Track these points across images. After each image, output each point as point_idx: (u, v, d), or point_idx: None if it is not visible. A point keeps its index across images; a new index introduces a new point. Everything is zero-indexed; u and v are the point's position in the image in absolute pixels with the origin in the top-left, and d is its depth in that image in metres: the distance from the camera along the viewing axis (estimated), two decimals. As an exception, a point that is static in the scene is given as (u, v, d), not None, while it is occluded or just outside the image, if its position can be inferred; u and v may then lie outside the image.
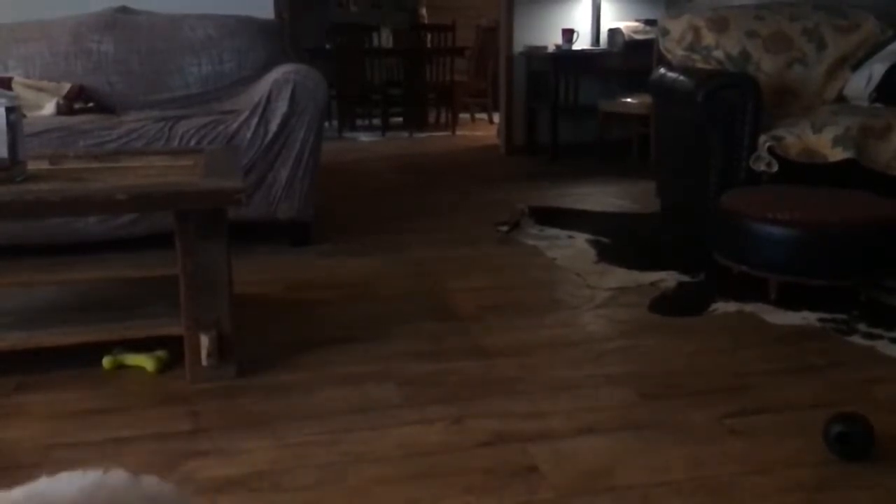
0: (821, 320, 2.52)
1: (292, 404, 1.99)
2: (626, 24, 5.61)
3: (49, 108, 3.39)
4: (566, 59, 5.52)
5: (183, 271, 2.05)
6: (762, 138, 3.10)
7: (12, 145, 2.03)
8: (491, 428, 1.86)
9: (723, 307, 2.65)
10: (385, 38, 7.72)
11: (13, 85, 3.45)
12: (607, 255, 3.26)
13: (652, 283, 2.90)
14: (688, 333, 2.44)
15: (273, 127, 3.21)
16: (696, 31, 3.75)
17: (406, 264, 3.18)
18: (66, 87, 3.54)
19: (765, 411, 1.94)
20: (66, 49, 3.65)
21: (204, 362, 2.09)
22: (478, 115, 8.35)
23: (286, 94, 3.20)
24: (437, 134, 7.38)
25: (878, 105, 3.45)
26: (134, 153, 2.74)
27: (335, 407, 1.97)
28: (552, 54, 5.53)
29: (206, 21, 3.77)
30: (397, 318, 2.58)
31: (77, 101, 3.51)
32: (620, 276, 2.99)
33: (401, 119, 7.68)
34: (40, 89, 3.49)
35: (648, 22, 5.52)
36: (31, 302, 2.37)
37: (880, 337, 2.39)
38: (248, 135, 3.20)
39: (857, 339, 2.38)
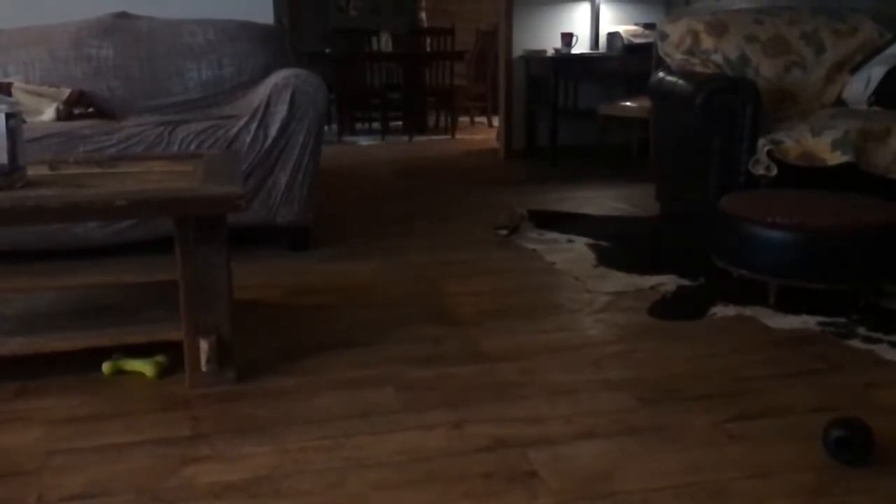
0: (820, 324, 2.52)
1: (292, 409, 1.99)
2: (626, 28, 5.61)
3: (49, 113, 3.40)
4: (565, 63, 5.52)
5: (182, 276, 2.05)
6: (761, 142, 3.10)
7: (12, 151, 2.03)
8: (490, 433, 1.86)
9: (722, 311, 2.65)
10: (384, 42, 7.74)
11: (13, 90, 3.46)
12: (607, 258, 3.27)
13: (651, 287, 2.90)
14: (687, 338, 2.44)
15: (273, 132, 3.21)
16: (695, 35, 3.75)
17: (405, 268, 3.18)
18: (66, 92, 3.54)
19: (764, 416, 1.94)
20: (66, 54, 3.66)
21: (203, 367, 2.09)
22: (477, 119, 8.36)
23: (286, 98, 3.20)
24: (437, 137, 7.39)
25: (876, 109, 3.45)
26: (134, 158, 2.75)
27: (335, 412, 1.98)
28: (551, 58, 5.53)
29: (205, 26, 3.77)
30: (396, 322, 2.58)
31: (77, 106, 3.51)
32: (620, 280, 2.99)
33: (400, 123, 7.69)
34: (40, 94, 3.50)
35: (647, 26, 5.53)
36: (31, 308, 2.37)
37: (880, 341, 2.39)
38: (248, 139, 3.20)
39: (856, 343, 2.38)
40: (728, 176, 3.15)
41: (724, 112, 3.13)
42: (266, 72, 3.64)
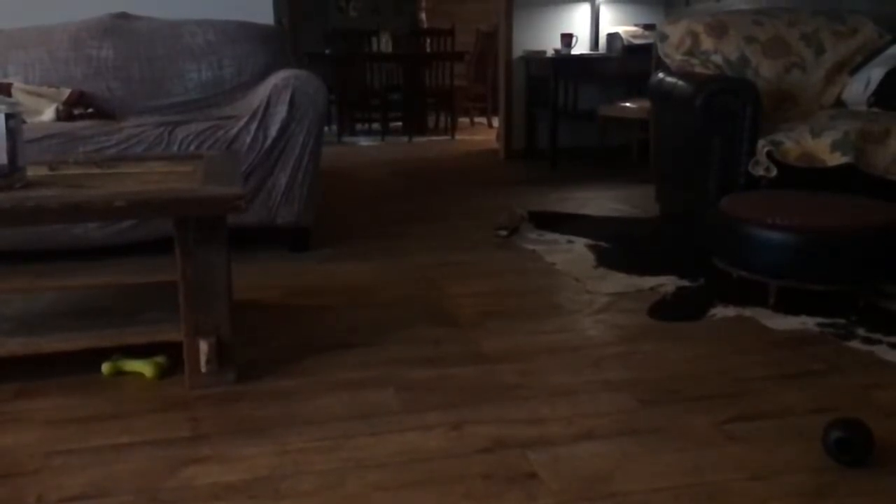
0: (820, 325, 2.52)
1: (292, 410, 1.99)
2: (625, 29, 5.61)
3: (49, 113, 3.40)
4: (565, 64, 5.52)
5: (182, 277, 2.05)
6: (761, 143, 3.10)
7: (12, 151, 2.03)
8: (490, 434, 1.86)
9: (722, 312, 2.65)
10: (384, 43, 7.74)
11: (13, 91, 3.46)
12: (606, 259, 3.27)
13: (651, 288, 2.90)
14: (687, 339, 2.44)
15: (272, 132, 3.21)
16: (695, 36, 3.75)
17: (405, 269, 3.18)
18: (66, 92, 3.54)
19: (764, 417, 1.94)
20: (66, 55, 3.66)
21: (203, 368, 2.09)
22: (477, 120, 8.36)
23: (285, 99, 3.20)
24: (437, 138, 7.39)
25: (876, 110, 3.45)
26: (133, 159, 2.74)
27: (334, 413, 1.98)
28: (551, 59, 5.53)
29: (205, 27, 3.77)
30: (396, 323, 2.58)
31: (77, 106, 3.51)
32: (619, 281, 2.99)
33: (400, 123, 7.70)
34: (40, 95, 3.50)
35: (647, 27, 5.54)
36: (31, 308, 2.37)
37: (879, 342, 2.39)
38: (248, 140, 3.20)
39: (856, 344, 2.38)
40: (728, 177, 3.16)
41: (724, 113, 3.13)
42: (266, 72, 3.65)
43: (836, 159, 3.05)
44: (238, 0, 4.05)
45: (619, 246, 3.48)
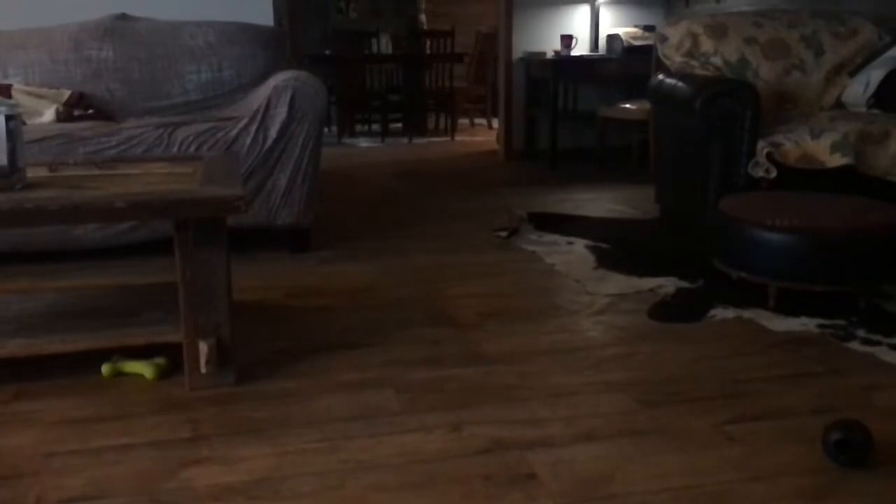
0: (820, 326, 2.52)
1: (291, 411, 1.99)
2: (625, 31, 5.62)
3: (48, 115, 3.40)
4: (565, 65, 5.52)
5: (182, 278, 2.05)
6: (760, 144, 3.11)
7: (12, 153, 2.03)
8: (490, 435, 1.86)
9: (721, 313, 2.65)
10: (384, 45, 7.75)
11: (13, 92, 3.46)
12: (606, 261, 3.27)
13: (651, 290, 2.90)
14: (687, 340, 2.44)
15: (272, 133, 3.21)
16: (695, 37, 3.76)
17: (405, 271, 3.18)
18: (66, 94, 3.54)
19: (764, 418, 1.94)
20: (66, 56, 3.66)
21: (203, 369, 2.09)
22: (477, 121, 8.36)
23: (285, 100, 3.21)
24: (437, 139, 7.40)
25: (875, 111, 3.46)
26: (133, 160, 2.74)
27: (334, 414, 1.98)
28: (551, 60, 5.54)
29: (205, 28, 3.78)
30: (396, 324, 2.58)
31: (77, 108, 3.51)
32: (619, 283, 2.99)
33: (400, 125, 7.70)
34: (40, 96, 3.50)
35: (647, 28, 5.54)
36: (30, 309, 2.37)
37: (879, 343, 2.39)
38: (248, 141, 3.20)
39: (856, 346, 2.38)
40: (728, 178, 3.16)
41: (724, 114, 3.13)
42: (266, 74, 3.65)
43: (835, 161, 3.06)
44: (238, 1, 4.06)
45: (619, 247, 3.48)
